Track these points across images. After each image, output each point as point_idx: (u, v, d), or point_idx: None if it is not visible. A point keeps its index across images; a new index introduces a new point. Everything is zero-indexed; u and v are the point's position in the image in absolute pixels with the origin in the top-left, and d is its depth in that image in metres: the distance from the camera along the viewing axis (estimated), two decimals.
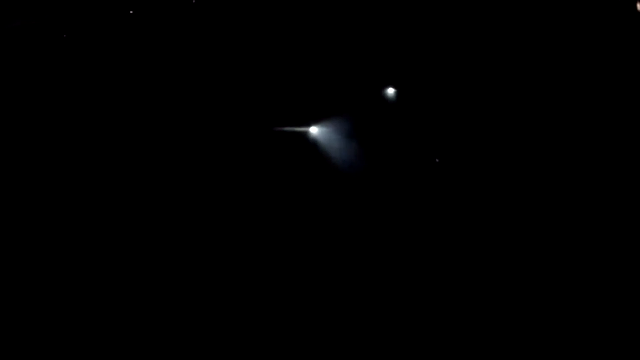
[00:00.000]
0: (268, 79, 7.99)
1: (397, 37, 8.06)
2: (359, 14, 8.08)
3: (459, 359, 7.25)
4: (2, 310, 7.10)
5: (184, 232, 7.62)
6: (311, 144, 7.94)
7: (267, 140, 7.89)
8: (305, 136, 7.94)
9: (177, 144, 7.83)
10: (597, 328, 7.23)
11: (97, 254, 7.44)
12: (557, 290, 7.44)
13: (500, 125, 8.02)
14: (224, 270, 7.52)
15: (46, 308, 7.18)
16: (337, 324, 7.37)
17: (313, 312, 7.41)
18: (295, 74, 8.00)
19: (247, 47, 8.04)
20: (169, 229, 7.61)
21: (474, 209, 7.85)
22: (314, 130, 7.94)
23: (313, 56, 8.03)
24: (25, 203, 7.49)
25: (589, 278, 7.44)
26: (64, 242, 7.43)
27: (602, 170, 7.77)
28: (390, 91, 8.04)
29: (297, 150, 7.90)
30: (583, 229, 7.63)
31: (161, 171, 7.77)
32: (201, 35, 8.02)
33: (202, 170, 7.79)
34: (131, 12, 7.83)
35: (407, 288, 7.56)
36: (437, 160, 8.04)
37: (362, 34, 8.05)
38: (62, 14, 7.77)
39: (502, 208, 7.83)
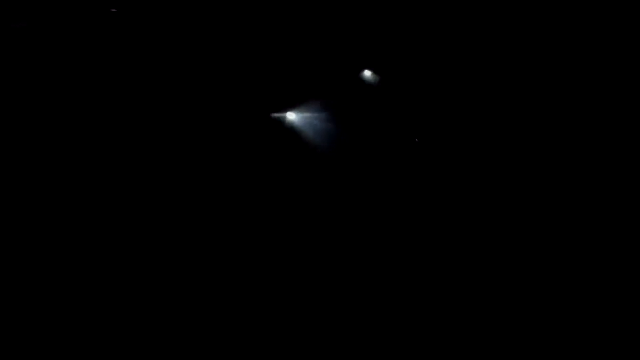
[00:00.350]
0: (244, 66, 7.91)
1: (371, 21, 7.95)
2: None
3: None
4: (2, 310, 7.18)
5: (170, 222, 7.65)
6: (288, 129, 7.92)
7: (244, 126, 7.87)
8: (282, 121, 7.92)
9: (157, 133, 7.80)
10: (597, 328, 7.29)
11: (96, 252, 7.47)
12: (552, 287, 7.49)
13: (479, 103, 7.98)
14: (208, 258, 7.59)
15: (46, 308, 7.22)
16: (319, 311, 7.50)
17: (294, 299, 7.52)
18: (271, 59, 7.92)
19: (222, 35, 7.94)
20: (157, 217, 7.66)
21: (456, 191, 7.87)
22: (290, 115, 7.91)
23: (288, 41, 7.93)
24: (26, 203, 7.48)
25: (586, 276, 7.48)
26: (63, 240, 7.45)
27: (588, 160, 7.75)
28: (367, 73, 7.97)
29: (274, 136, 7.89)
30: (575, 222, 7.65)
31: (147, 160, 7.78)
32: (181, 22, 7.90)
33: (182, 159, 7.79)
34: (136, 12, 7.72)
35: (390, 272, 7.66)
36: (416, 140, 8.03)
37: (337, 18, 7.94)
38: (67, 15, 7.66)
39: (482, 190, 7.86)
